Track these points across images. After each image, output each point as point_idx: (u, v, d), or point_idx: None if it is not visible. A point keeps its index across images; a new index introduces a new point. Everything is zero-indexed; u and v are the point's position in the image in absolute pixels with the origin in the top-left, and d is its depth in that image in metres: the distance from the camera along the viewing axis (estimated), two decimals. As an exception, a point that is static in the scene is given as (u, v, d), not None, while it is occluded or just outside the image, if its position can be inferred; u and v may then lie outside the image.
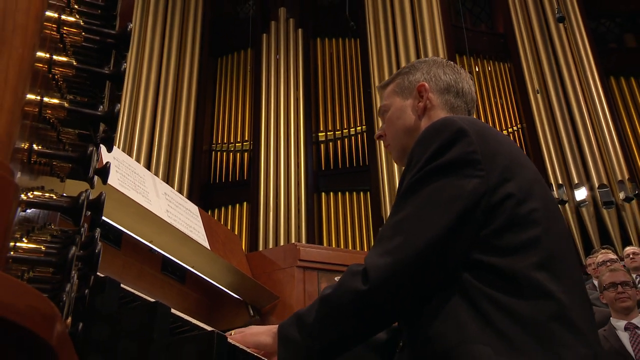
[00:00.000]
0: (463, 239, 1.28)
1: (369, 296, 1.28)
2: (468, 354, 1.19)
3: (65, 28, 0.81)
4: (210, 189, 11.39)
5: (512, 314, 1.21)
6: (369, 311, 1.31)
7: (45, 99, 0.74)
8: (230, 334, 1.54)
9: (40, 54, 0.71)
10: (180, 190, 10.12)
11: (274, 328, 1.47)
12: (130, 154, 10.06)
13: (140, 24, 11.72)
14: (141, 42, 11.59)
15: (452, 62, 1.78)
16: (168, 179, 10.34)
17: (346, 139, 11.31)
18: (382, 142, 1.80)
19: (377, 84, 10.57)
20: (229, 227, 10.08)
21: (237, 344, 1.34)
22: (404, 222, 1.32)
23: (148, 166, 10.27)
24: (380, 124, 1.81)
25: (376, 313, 1.32)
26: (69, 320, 0.86)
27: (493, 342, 1.19)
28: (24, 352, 0.55)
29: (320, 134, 11.51)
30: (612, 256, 5.72)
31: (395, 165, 9.90)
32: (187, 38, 11.99)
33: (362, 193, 10.97)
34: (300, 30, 12.22)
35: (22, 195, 0.65)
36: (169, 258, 2.15)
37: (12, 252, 0.63)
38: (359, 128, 11.26)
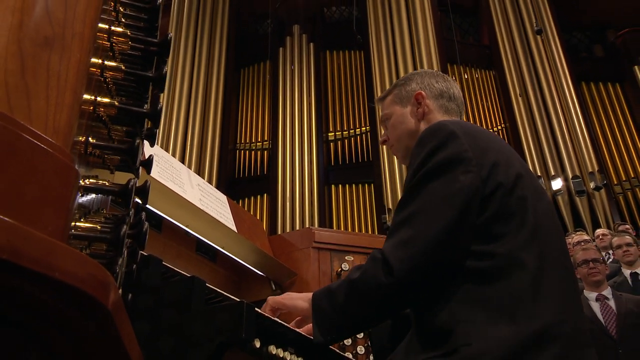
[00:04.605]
0: (467, 228, 1.26)
1: (392, 288, 1.26)
2: (452, 331, 1.19)
3: (114, 37, 0.81)
4: (235, 183, 11.41)
5: (493, 294, 1.20)
6: (391, 300, 1.30)
7: (99, 99, 0.74)
8: (270, 298, 1.54)
9: (93, 59, 0.71)
10: (209, 184, 10.14)
11: (309, 295, 1.45)
12: (166, 151, 10.08)
13: (174, 41, 11.73)
14: (174, 57, 11.60)
15: (440, 72, 1.77)
16: (199, 174, 10.34)
17: (352, 138, 11.29)
18: (385, 146, 1.78)
19: (379, 90, 10.56)
20: (252, 215, 10.09)
21: (263, 313, 1.34)
22: (414, 217, 1.29)
23: (182, 162, 10.28)
24: (383, 131, 1.79)
25: (398, 301, 1.31)
26: (120, 291, 0.86)
27: (476, 319, 1.18)
28: (86, 315, 0.55)
29: (329, 133, 11.49)
30: (586, 237, 5.68)
31: (395, 160, 9.88)
32: (214, 52, 11.99)
33: (366, 185, 10.96)
34: (312, 44, 12.20)
35: (81, 182, 0.65)
36: (202, 240, 2.15)
37: (72, 231, 0.63)
38: (364, 128, 11.24)
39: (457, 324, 1.19)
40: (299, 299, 1.49)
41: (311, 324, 1.41)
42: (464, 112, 1.72)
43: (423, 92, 1.66)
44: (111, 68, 0.78)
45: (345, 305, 1.33)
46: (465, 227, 1.26)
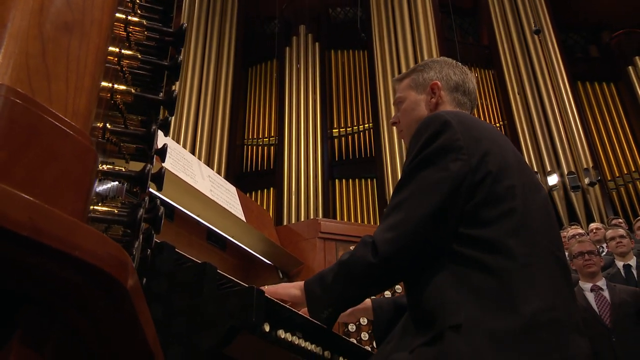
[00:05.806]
0: (452, 214, 1.26)
1: (377, 267, 1.31)
2: (445, 312, 1.18)
3: (131, 27, 0.80)
4: (243, 177, 11.41)
5: (483, 279, 1.19)
6: (376, 278, 1.35)
7: (116, 86, 0.73)
8: (265, 288, 1.54)
9: (111, 48, 0.70)
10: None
11: (301, 283, 1.51)
12: (177, 147, 10.07)
13: (184, 40, 11.69)
14: (185, 55, 11.59)
15: (460, 64, 1.71)
16: (208, 168, 10.34)
17: (356, 134, 11.28)
18: (395, 128, 1.73)
19: (381, 89, 10.53)
20: (258, 208, 10.09)
21: (271, 298, 1.33)
22: (403, 203, 1.32)
23: (192, 158, 10.27)
24: (394, 113, 1.74)
25: (382, 279, 1.37)
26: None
27: (465, 302, 1.17)
28: (105, 295, 0.54)
29: (334, 130, 11.48)
30: (581, 231, 5.66)
31: (397, 155, 9.86)
32: (223, 52, 11.97)
33: (369, 179, 10.95)
34: (317, 44, 12.17)
35: (99, 167, 0.64)
36: (212, 229, 2.14)
37: (90, 214, 0.62)
38: (367, 125, 11.22)
39: (446, 306, 1.19)
40: (292, 288, 1.55)
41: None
42: (475, 107, 1.68)
43: (439, 83, 1.61)
44: (128, 56, 0.77)
45: (332, 283, 1.40)
46: (450, 212, 1.26)
